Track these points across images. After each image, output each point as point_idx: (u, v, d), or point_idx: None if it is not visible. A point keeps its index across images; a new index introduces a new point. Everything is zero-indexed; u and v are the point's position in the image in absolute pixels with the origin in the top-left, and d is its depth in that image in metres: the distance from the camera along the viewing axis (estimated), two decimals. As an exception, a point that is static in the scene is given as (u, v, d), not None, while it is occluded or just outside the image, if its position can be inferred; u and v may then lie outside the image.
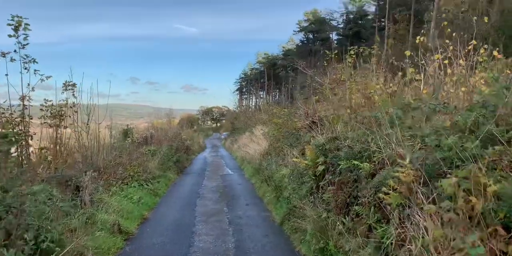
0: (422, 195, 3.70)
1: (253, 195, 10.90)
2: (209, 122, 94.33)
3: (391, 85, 8.04)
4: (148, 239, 6.78)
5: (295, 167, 8.15)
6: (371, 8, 55.40)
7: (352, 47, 8.66)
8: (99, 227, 6.45)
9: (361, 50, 8.54)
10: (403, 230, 3.71)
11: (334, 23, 60.85)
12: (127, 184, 10.68)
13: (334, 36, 62.21)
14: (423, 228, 3.47)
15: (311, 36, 64.80)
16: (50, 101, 9.18)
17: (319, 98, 10.10)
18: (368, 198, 4.61)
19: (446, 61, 7.80)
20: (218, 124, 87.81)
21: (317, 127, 7.74)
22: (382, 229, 4.06)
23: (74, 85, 9.13)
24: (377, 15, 51.21)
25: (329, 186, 6.09)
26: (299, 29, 64.64)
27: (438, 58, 7.89)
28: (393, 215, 4.03)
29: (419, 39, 8.28)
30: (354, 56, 8.44)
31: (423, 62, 7.74)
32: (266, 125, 18.92)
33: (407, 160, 4.13)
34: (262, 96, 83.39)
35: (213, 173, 16.50)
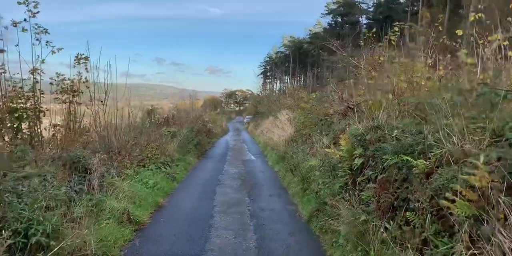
0: (507, 207, 2.84)
1: (277, 184, 10.14)
2: (232, 105, 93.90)
3: (440, 67, 7.05)
4: (161, 230, 6.12)
5: (325, 157, 7.31)
6: (404, -8, 53.04)
7: (397, 23, 7.62)
8: (106, 216, 5.82)
9: (406, 26, 7.49)
10: (478, 252, 2.87)
11: (364, 6, 58.81)
12: (144, 166, 10.12)
13: (363, 20, 60.22)
14: (510, 254, 2.62)
15: (339, 19, 62.94)
16: (62, 75, 8.59)
17: (354, 81, 9.15)
18: (423, 203, 3.77)
19: (506, 42, 6.77)
20: (241, 108, 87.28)
21: (354, 113, 6.84)
22: (447, 246, 3.21)
23: (86, 58, 8.47)
24: (410, -1, 48.88)
25: (368, 183, 5.26)
26: (327, 12, 62.72)
27: (497, 38, 6.85)
28: (461, 229, 3.19)
29: (474, 16, 7.24)
30: (398, 33, 7.43)
31: (481, 42, 6.72)
32: (291, 110, 18.05)
33: (481, 159, 3.25)
34: (286, 80, 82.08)
35: (235, 158, 15.82)
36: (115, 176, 7.68)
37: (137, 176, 8.53)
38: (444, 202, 3.28)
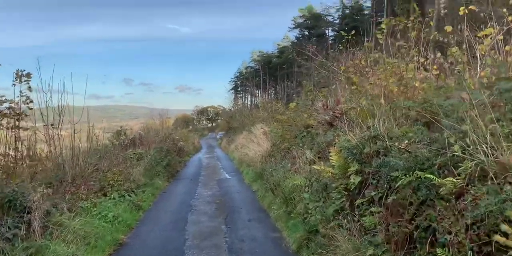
0: None
1: (256, 206, 9.07)
2: (204, 121, 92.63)
3: (434, 67, 6.27)
4: (119, 279, 4.96)
5: (311, 174, 6.35)
6: (367, 3, 53.85)
7: (391, 18, 6.84)
8: (48, 267, 4.63)
9: (395, 22, 6.72)
10: None
11: (329, 18, 59.38)
12: (105, 195, 8.93)
13: (330, 32, 60.72)
14: None
15: (306, 32, 63.32)
16: (2, 96, 7.39)
17: (337, 87, 8.29)
18: (458, 235, 2.82)
19: (501, 37, 6.10)
20: (214, 124, 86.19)
21: (342, 123, 5.93)
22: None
23: (28, 75, 7.27)
24: (374, 9, 49.45)
25: (370, 205, 4.30)
26: (294, 26, 62.98)
27: (490, 33, 6.19)
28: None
29: (464, 10, 6.59)
30: (385, 31, 6.63)
31: (477, 35, 6.05)
32: (266, 123, 17.15)
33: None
34: (257, 94, 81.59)
35: (209, 178, 14.66)
36: (66, 211, 6.48)
37: (95, 209, 7.30)
38: (499, 239, 2.35)
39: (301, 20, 62.03)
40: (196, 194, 10.93)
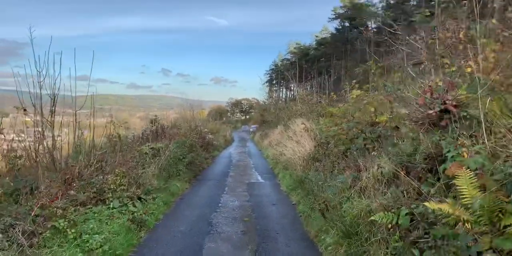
0: None
1: (298, 232, 6.61)
2: (238, 114, 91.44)
3: None
4: None
5: (399, 203, 3.89)
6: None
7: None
8: None
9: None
10: None
11: (373, 9, 56.02)
12: (104, 202, 6.93)
13: (372, 24, 57.43)
14: None
15: (347, 24, 60.50)
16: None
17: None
18: None
19: None
20: (247, 116, 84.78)
21: (457, 122, 3.42)
22: None
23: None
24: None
25: None
26: (334, 17, 60.07)
27: None
28: None
29: None
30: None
31: None
32: (306, 117, 14.75)
33: None
34: (293, 88, 79.09)
35: (237, 180, 12.35)
36: (23, 240, 4.37)
37: (73, 231, 5.13)
38: None
39: (342, 11, 59.34)
40: (220, 205, 8.62)
